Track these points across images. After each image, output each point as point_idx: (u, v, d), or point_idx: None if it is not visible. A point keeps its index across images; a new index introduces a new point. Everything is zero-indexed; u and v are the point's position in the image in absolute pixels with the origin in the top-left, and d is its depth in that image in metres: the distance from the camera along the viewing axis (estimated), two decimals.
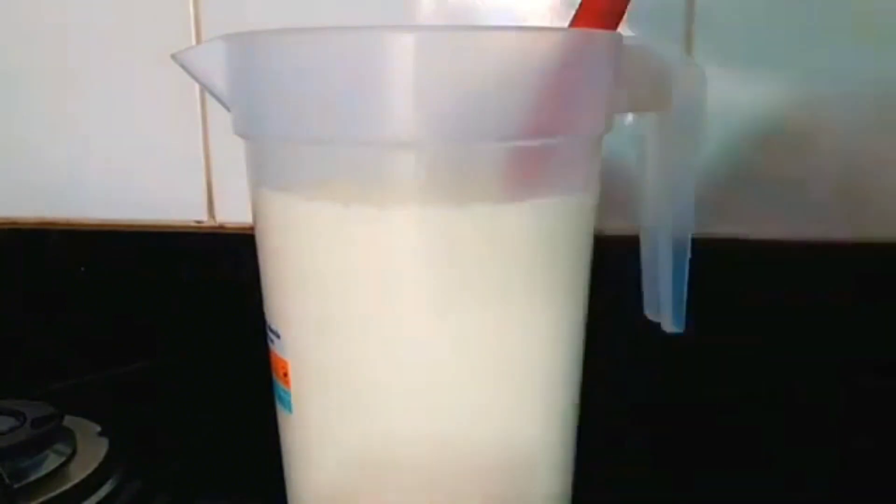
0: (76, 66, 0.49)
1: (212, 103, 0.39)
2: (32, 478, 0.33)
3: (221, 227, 0.49)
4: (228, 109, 0.27)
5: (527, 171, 0.25)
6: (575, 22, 0.26)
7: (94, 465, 0.35)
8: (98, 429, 0.38)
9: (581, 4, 0.26)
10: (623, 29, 0.27)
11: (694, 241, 0.28)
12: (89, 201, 0.51)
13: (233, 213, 0.49)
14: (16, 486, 0.32)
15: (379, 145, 0.24)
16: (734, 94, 0.42)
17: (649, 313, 0.30)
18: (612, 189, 0.31)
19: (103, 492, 0.34)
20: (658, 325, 0.30)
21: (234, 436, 0.40)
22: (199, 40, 0.47)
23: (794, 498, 0.35)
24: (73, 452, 0.35)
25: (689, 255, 0.28)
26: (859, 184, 0.42)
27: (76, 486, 0.33)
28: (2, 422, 0.35)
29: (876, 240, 0.42)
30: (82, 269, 0.50)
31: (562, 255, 0.27)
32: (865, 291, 0.42)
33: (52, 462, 0.34)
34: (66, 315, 0.50)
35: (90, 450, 0.36)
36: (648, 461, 0.38)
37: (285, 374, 0.27)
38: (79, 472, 0.34)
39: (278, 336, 0.27)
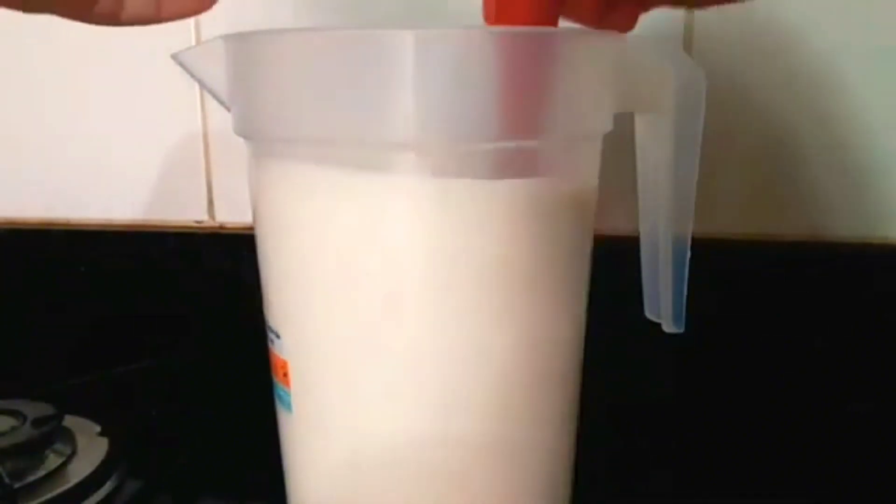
0: (76, 67, 0.49)
1: (212, 103, 0.39)
2: (32, 478, 0.33)
3: (221, 227, 0.49)
4: (228, 109, 0.27)
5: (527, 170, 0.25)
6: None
7: (94, 465, 0.35)
8: (98, 429, 0.38)
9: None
10: None
11: (694, 241, 0.28)
12: (89, 201, 0.51)
13: (233, 213, 0.49)
14: (16, 486, 0.32)
15: (378, 145, 0.24)
16: (733, 94, 0.42)
17: (649, 313, 0.30)
18: (612, 189, 0.31)
19: (103, 492, 0.34)
20: (658, 325, 0.30)
21: (234, 436, 0.40)
22: (199, 40, 0.47)
23: (795, 497, 0.35)
24: (73, 452, 0.35)
25: (689, 254, 0.28)
26: (860, 184, 0.42)
27: (76, 486, 0.33)
28: (2, 422, 0.35)
29: (876, 239, 0.42)
30: (82, 269, 0.50)
31: (562, 254, 0.27)
32: (865, 291, 0.41)
33: (52, 462, 0.34)
34: (66, 315, 0.50)
35: (90, 450, 0.36)
36: (649, 461, 0.38)
37: (285, 374, 0.27)
38: (79, 472, 0.34)
39: (278, 336, 0.27)
